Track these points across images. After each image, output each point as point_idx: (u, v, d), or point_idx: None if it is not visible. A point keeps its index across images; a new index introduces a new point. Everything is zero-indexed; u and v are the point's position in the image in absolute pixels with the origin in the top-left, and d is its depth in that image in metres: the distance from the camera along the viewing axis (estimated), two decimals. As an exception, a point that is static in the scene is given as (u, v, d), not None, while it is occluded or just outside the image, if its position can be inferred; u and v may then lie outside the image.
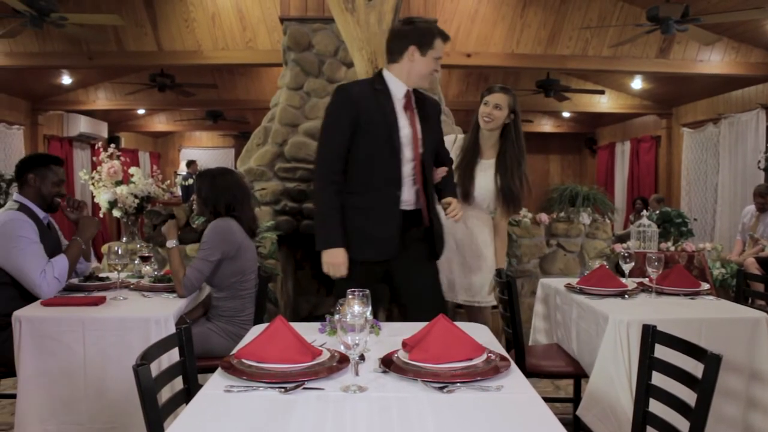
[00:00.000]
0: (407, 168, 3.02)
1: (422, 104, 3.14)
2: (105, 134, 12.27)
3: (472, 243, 3.64)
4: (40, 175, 3.43)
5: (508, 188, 3.63)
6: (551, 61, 8.19)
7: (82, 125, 11.29)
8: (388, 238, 3.00)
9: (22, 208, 3.37)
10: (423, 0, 5.92)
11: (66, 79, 9.75)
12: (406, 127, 3.01)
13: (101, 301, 3.04)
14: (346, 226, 2.98)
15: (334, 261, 2.97)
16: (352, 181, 2.99)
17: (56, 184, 3.47)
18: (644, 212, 5.91)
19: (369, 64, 3.84)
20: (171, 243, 3.34)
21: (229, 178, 3.47)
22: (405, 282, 3.12)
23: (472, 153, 3.67)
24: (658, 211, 6.20)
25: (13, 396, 3.02)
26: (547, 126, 14.10)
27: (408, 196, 3.05)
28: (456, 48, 7.88)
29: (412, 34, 2.97)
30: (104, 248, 4.88)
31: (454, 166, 3.42)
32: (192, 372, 2.11)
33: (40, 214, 3.43)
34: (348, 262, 2.95)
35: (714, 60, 8.10)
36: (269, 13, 7.50)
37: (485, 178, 3.65)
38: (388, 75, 3.03)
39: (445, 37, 3.03)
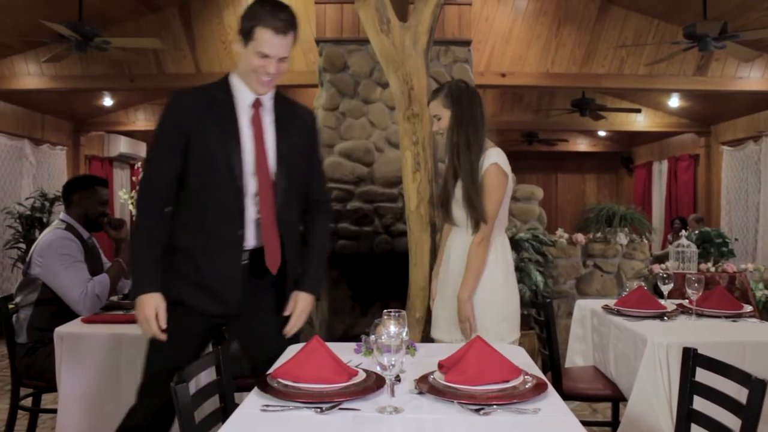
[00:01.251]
0: (252, 201, 2.37)
1: (285, 116, 2.47)
2: (144, 154, 12.48)
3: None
4: (85, 195, 3.54)
5: (467, 198, 2.93)
6: (586, 80, 8.14)
7: (122, 146, 11.51)
8: (227, 288, 2.36)
9: (69, 227, 3.47)
10: (457, 21, 5.96)
11: (107, 101, 9.97)
12: (250, 150, 2.35)
13: (140, 319, 3.08)
14: (176, 269, 2.36)
15: (144, 313, 2.29)
16: (184, 215, 2.38)
17: (101, 204, 3.58)
18: (683, 232, 5.82)
19: (404, 84, 3.85)
20: None
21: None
22: (247, 341, 2.55)
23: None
24: (697, 231, 6.10)
25: (55, 411, 3.07)
26: (582, 145, 13.99)
27: (254, 236, 2.39)
28: (491, 68, 7.88)
29: (242, 17, 2.34)
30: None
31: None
32: (229, 391, 2.13)
33: (84, 234, 3.53)
34: (171, 313, 2.32)
35: (754, 76, 7.97)
36: (305, 35, 7.56)
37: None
38: (234, 78, 2.40)
39: (277, 27, 2.26)
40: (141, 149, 12.42)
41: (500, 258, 3.02)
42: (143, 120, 11.01)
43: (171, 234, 2.37)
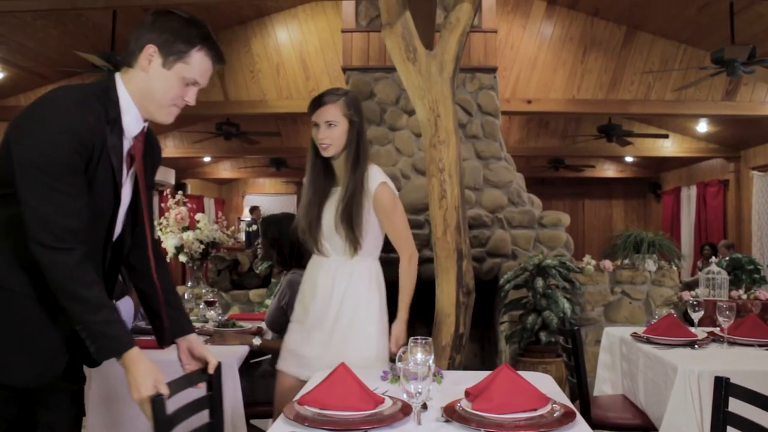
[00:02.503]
0: (108, 249, 1.99)
1: (149, 152, 2.04)
2: (173, 181, 12.68)
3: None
4: None
5: (346, 219, 2.61)
6: (613, 106, 8.12)
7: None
8: (54, 353, 1.91)
9: None
10: (483, 48, 6.00)
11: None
12: (127, 192, 1.98)
13: (167, 344, 3.10)
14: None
15: (146, 381, 1.83)
16: (20, 251, 1.80)
17: None
18: (713, 259, 5.74)
19: (430, 112, 3.88)
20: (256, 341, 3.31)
21: (292, 222, 3.52)
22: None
23: (322, 186, 2.73)
24: (727, 258, 6.01)
25: None
26: (609, 171, 13.91)
27: None
28: (517, 95, 7.91)
29: (160, 28, 1.89)
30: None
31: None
32: (217, 407, 2.10)
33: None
34: None
35: (784, 102, 7.89)
36: (332, 63, 7.70)
37: (330, 212, 2.70)
38: (122, 92, 1.89)
39: (215, 56, 1.93)
40: (170, 176, 12.62)
41: (375, 286, 2.78)
42: (172, 147, 11.19)
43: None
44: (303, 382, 2.51)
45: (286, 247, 3.45)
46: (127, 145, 1.92)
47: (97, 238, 1.92)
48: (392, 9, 3.89)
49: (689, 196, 12.72)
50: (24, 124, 1.78)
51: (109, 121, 1.84)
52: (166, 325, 2.14)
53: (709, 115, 8.64)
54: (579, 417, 1.87)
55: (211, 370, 2.09)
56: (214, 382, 2.11)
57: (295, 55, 7.88)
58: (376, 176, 2.70)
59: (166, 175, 12.31)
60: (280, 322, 3.27)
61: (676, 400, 2.68)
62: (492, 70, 6.09)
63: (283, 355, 2.82)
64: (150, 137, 2.05)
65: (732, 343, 3.17)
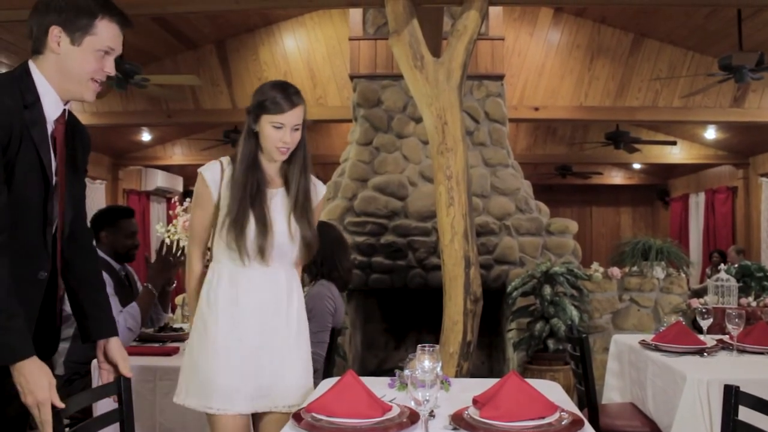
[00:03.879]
0: (50, 237, 1.94)
1: (73, 136, 2.04)
2: (180, 188, 12.71)
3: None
4: (111, 232, 3.54)
5: (303, 226, 2.33)
6: (620, 113, 8.11)
7: (159, 180, 11.74)
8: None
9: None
10: (490, 55, 6.01)
11: (146, 136, 10.19)
12: (53, 175, 1.92)
13: (174, 351, 3.12)
14: None
15: (40, 382, 1.78)
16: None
17: (128, 236, 3.57)
18: (722, 266, 5.71)
19: (438, 119, 3.89)
20: None
21: (326, 231, 3.28)
22: None
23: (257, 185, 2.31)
24: (737, 264, 5.98)
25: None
26: (617, 178, 13.87)
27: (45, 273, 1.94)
28: (524, 102, 7.90)
29: (56, 8, 1.84)
30: (178, 299, 5.02)
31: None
32: (129, 421, 2.09)
33: (116, 266, 3.56)
34: None
35: (793, 108, 7.86)
36: (339, 71, 7.71)
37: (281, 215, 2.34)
38: (38, 78, 1.88)
39: (120, 20, 1.91)
40: (178, 183, 12.64)
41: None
42: (180, 155, 11.23)
43: None
44: (264, 414, 2.30)
45: (320, 257, 3.31)
46: (50, 128, 1.90)
47: (31, 223, 1.88)
48: (399, 17, 3.91)
49: (698, 203, 12.67)
50: None
51: (27, 105, 1.82)
52: (87, 323, 2.13)
53: (717, 121, 8.61)
54: (587, 425, 1.87)
55: (123, 373, 2.11)
56: (124, 396, 2.09)
57: (303, 62, 7.91)
58: (319, 183, 2.48)
59: (173, 183, 12.34)
60: None
61: (685, 408, 2.67)
62: (499, 78, 6.09)
63: (220, 393, 2.22)
64: (73, 120, 2.04)
65: (741, 351, 3.15)
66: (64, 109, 1.95)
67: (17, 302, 1.76)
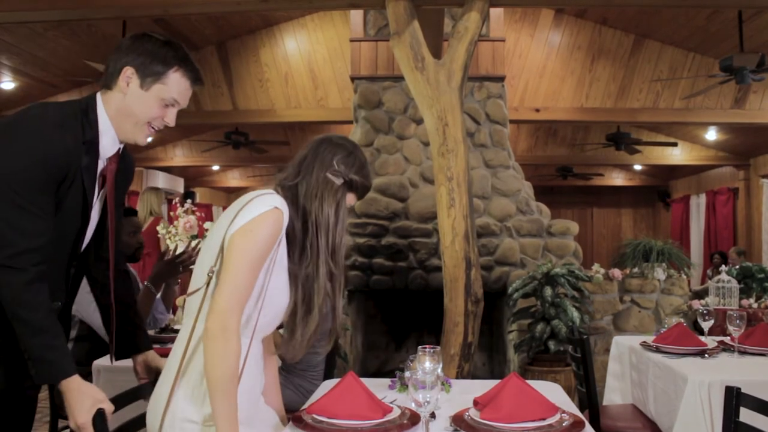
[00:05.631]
0: (71, 270, 2.04)
1: (125, 171, 2.09)
2: (181, 189, 12.73)
3: None
4: None
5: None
6: (621, 115, 8.11)
7: (160, 181, 11.75)
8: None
9: None
10: (491, 57, 6.01)
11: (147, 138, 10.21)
12: (96, 211, 2.01)
13: (177, 353, 3.11)
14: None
15: (82, 404, 1.80)
16: None
17: (131, 235, 3.58)
18: (723, 267, 5.71)
19: (439, 120, 3.89)
20: None
21: None
22: None
23: None
24: (738, 266, 5.98)
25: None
26: (618, 179, 13.88)
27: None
28: (525, 103, 7.91)
29: (136, 50, 1.91)
30: (179, 300, 5.01)
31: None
32: None
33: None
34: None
35: (793, 109, 7.86)
36: (340, 73, 7.72)
37: None
38: (101, 114, 1.92)
39: (193, 77, 1.96)
40: (179, 184, 12.67)
41: None
42: (181, 156, 11.24)
43: None
44: None
45: None
46: (101, 165, 1.96)
47: (61, 256, 1.95)
48: (400, 18, 3.91)
49: (698, 205, 12.67)
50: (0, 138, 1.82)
51: (86, 142, 1.88)
52: (114, 340, 2.15)
53: (718, 123, 8.61)
54: (588, 426, 1.87)
55: None
56: None
57: (304, 64, 7.91)
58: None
59: (174, 184, 12.36)
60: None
61: (686, 409, 2.67)
62: (500, 79, 6.09)
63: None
64: (125, 156, 2.07)
65: (743, 353, 3.15)
66: (119, 147, 1.99)
67: (59, 324, 1.83)
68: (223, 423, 1.63)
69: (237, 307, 1.70)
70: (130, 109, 1.91)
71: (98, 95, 1.94)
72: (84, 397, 1.79)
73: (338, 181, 1.89)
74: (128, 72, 1.89)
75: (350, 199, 1.95)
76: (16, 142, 1.78)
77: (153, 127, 1.97)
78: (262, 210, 1.76)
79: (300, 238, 1.85)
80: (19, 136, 1.79)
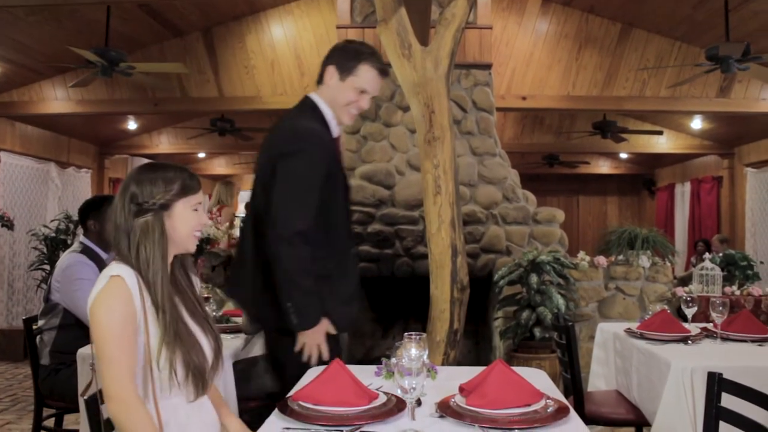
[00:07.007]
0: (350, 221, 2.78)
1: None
2: (167, 177, 12.65)
3: None
4: (98, 219, 3.55)
5: None
6: (608, 103, 8.12)
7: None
8: (358, 302, 2.74)
9: (85, 250, 3.50)
10: (478, 44, 5.99)
11: (132, 125, 10.11)
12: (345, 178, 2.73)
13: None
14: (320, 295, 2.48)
15: (318, 340, 2.50)
16: (317, 243, 2.47)
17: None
18: (707, 255, 5.76)
19: (425, 108, 3.88)
20: None
21: None
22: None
23: None
24: (721, 253, 6.03)
25: (77, 431, 3.09)
26: (604, 167, 13.93)
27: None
28: (511, 91, 7.90)
29: (336, 53, 2.61)
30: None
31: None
32: None
33: (104, 254, 3.55)
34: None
35: (777, 98, 7.90)
36: (327, 59, 7.67)
37: None
38: (323, 107, 2.60)
39: (382, 69, 2.60)
40: (164, 172, 12.59)
41: None
42: (167, 143, 11.15)
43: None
44: None
45: None
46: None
47: (341, 218, 2.61)
48: (387, 5, 3.89)
49: (683, 193, 12.75)
50: (291, 144, 2.48)
51: (328, 131, 2.55)
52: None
53: (703, 111, 8.64)
54: (573, 412, 1.88)
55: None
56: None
57: (290, 51, 7.86)
58: None
59: (160, 171, 12.29)
60: None
61: (669, 395, 2.70)
62: (487, 67, 6.09)
63: None
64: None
65: (725, 339, 3.18)
66: (340, 128, 2.64)
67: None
68: None
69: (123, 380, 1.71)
70: (335, 98, 2.55)
71: (313, 95, 2.60)
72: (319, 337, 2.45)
73: (149, 217, 1.85)
74: (331, 69, 2.55)
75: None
76: (303, 143, 2.50)
77: (352, 111, 2.58)
78: (101, 284, 1.78)
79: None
80: (305, 140, 2.51)
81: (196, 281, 2.06)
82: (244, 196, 16.09)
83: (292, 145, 2.47)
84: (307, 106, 2.59)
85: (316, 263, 2.44)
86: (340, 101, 2.55)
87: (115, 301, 1.76)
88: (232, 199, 7.72)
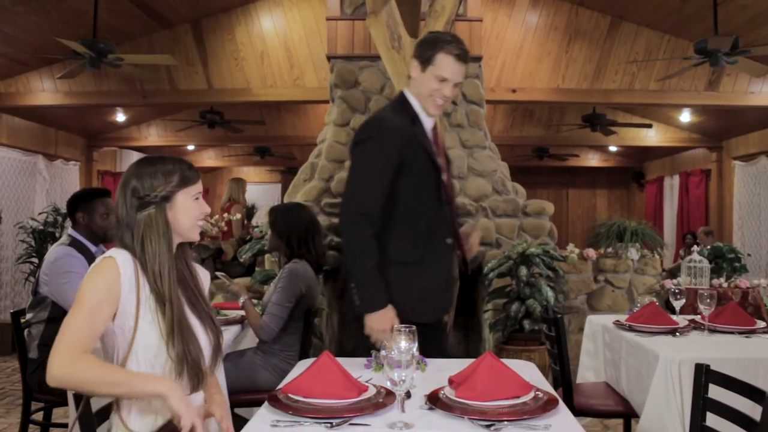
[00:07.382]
0: (448, 212, 2.72)
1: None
2: (156, 170, 12.59)
3: None
4: (87, 212, 3.52)
5: None
6: (597, 96, 8.15)
7: (134, 161, 11.64)
8: (447, 293, 2.76)
9: (74, 243, 3.48)
10: (468, 37, 5.98)
11: (120, 117, 10.06)
12: (440, 167, 2.70)
13: (151, 333, 3.09)
14: (394, 282, 2.54)
15: (384, 326, 2.45)
16: (399, 230, 2.58)
17: (103, 216, 3.54)
18: (695, 247, 5.80)
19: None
20: (242, 299, 3.43)
21: (300, 213, 3.56)
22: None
23: None
24: (708, 246, 6.07)
25: (65, 425, 3.07)
26: (593, 160, 13.98)
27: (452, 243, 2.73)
28: (501, 84, 7.91)
29: (419, 46, 2.64)
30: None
31: None
32: None
33: (92, 247, 3.53)
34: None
35: (765, 91, 7.94)
36: (316, 52, 7.65)
37: None
38: (413, 101, 2.66)
39: (458, 54, 2.56)
40: (153, 164, 12.53)
41: None
42: (155, 135, 11.10)
43: (384, 249, 2.53)
44: None
45: (294, 239, 3.45)
46: (430, 135, 2.65)
47: (431, 207, 2.61)
48: (377, -3, 3.88)
49: (672, 186, 12.82)
50: (361, 133, 2.62)
51: (413, 122, 2.61)
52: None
53: (692, 105, 8.68)
54: (562, 404, 1.89)
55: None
56: None
57: (280, 43, 7.83)
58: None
59: (149, 164, 12.24)
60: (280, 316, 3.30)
61: (657, 387, 2.71)
62: (477, 59, 6.08)
63: None
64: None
65: (713, 331, 3.21)
66: (432, 121, 2.68)
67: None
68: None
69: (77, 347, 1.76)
70: (419, 88, 2.60)
71: (405, 90, 2.68)
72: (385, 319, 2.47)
73: (151, 210, 1.86)
74: (414, 63, 2.60)
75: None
76: (379, 130, 2.60)
77: (436, 100, 2.59)
78: (94, 264, 1.83)
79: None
80: (379, 130, 2.60)
81: (210, 276, 2.11)
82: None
83: (363, 134, 2.62)
84: (398, 100, 2.69)
85: (396, 248, 2.55)
86: (423, 92, 2.59)
87: (99, 278, 1.78)
88: (242, 196, 8.19)
